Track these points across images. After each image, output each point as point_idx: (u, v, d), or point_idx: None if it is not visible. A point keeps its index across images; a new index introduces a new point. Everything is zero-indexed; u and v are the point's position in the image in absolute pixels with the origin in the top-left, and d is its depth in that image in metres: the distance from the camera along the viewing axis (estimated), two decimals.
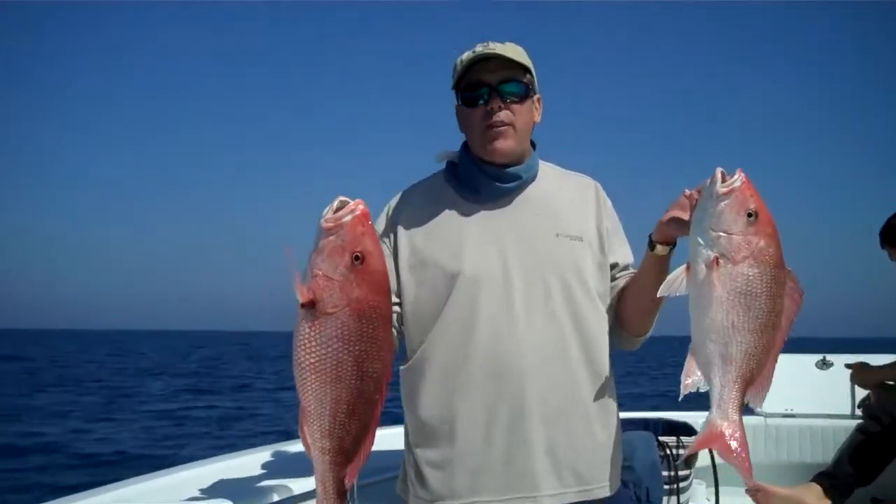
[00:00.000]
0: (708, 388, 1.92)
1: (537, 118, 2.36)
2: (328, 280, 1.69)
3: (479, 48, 2.24)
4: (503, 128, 2.23)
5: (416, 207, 2.32)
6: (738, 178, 1.89)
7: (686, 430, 3.44)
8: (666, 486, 3.25)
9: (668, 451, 3.30)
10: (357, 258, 1.70)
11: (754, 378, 1.91)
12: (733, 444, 1.89)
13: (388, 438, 3.23)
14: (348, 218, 1.70)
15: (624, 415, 3.70)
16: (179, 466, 2.72)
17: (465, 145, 2.35)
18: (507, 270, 2.20)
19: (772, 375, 1.93)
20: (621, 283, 2.37)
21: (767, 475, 4.02)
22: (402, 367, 2.28)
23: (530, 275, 2.21)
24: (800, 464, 4.30)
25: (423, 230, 2.28)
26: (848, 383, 4.54)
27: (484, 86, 2.24)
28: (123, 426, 17.94)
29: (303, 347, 1.71)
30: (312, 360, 1.71)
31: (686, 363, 1.94)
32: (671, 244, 2.17)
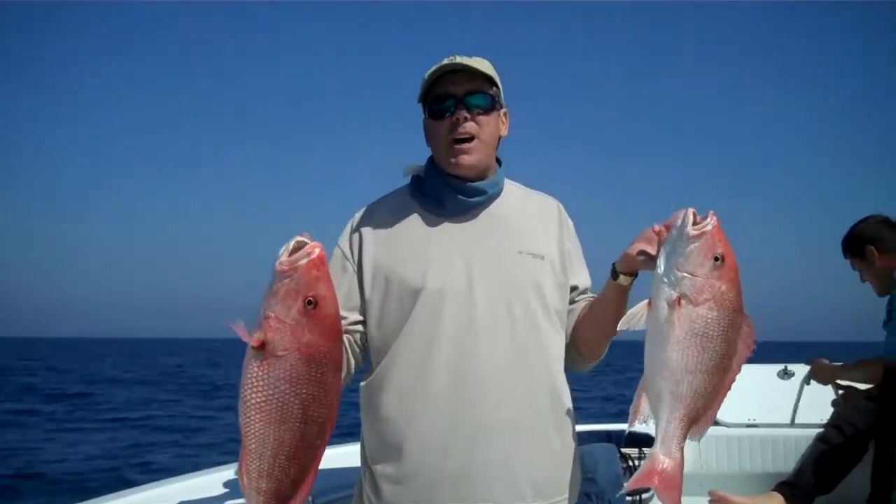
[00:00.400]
0: (654, 420, 1.96)
1: (504, 132, 2.36)
2: (280, 323, 1.69)
3: (446, 61, 2.24)
4: (470, 143, 2.23)
5: (381, 221, 2.32)
6: (709, 222, 1.91)
7: (647, 441, 3.44)
8: (629, 498, 3.26)
9: (630, 463, 3.31)
10: (310, 303, 1.69)
11: (699, 417, 1.94)
12: (669, 484, 1.92)
13: (344, 456, 3.21)
14: (304, 262, 1.69)
15: (586, 427, 3.72)
16: (138, 488, 2.68)
17: (431, 159, 2.35)
18: (470, 285, 2.20)
19: (715, 414, 1.97)
20: (580, 306, 2.40)
21: (730, 485, 4.04)
22: (362, 383, 2.28)
23: (493, 291, 2.21)
24: (762, 473, 4.33)
25: (388, 244, 2.27)
26: (810, 392, 4.58)
27: (450, 97, 2.24)
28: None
29: (250, 386, 1.70)
30: (258, 400, 1.70)
31: (636, 396, 1.98)
32: (634, 275, 2.19)
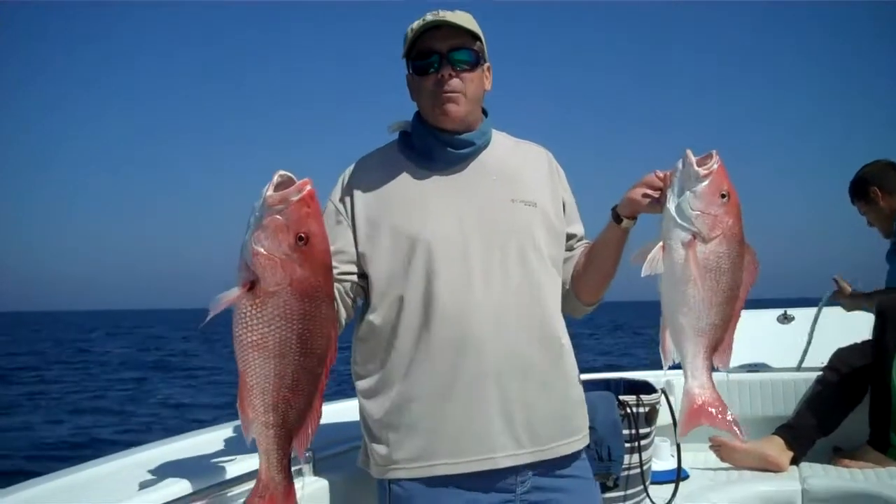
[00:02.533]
0: (679, 356, 2.07)
1: (488, 86, 2.37)
2: (270, 259, 1.69)
3: (430, 17, 2.24)
4: (454, 94, 2.24)
5: (372, 175, 2.33)
6: (715, 161, 2.03)
7: (646, 388, 3.45)
8: (627, 445, 3.27)
9: (628, 410, 3.31)
10: (301, 238, 1.70)
11: (718, 345, 2.07)
12: (718, 414, 2.07)
13: (348, 411, 3.21)
14: (295, 197, 1.69)
15: (584, 376, 3.71)
16: (131, 449, 2.68)
17: (418, 115, 2.36)
18: (464, 235, 2.22)
19: (732, 341, 2.09)
20: (577, 252, 2.45)
21: None
22: (358, 334, 2.31)
23: (487, 239, 2.23)
24: (762, 417, 4.34)
25: (380, 197, 2.28)
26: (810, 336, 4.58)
27: (434, 53, 2.24)
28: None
29: (244, 325, 1.71)
30: (255, 338, 1.71)
31: (661, 337, 2.10)
32: (635, 219, 2.25)
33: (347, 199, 2.30)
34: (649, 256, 2.05)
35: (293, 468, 2.52)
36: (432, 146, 2.30)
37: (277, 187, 1.70)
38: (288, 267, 1.69)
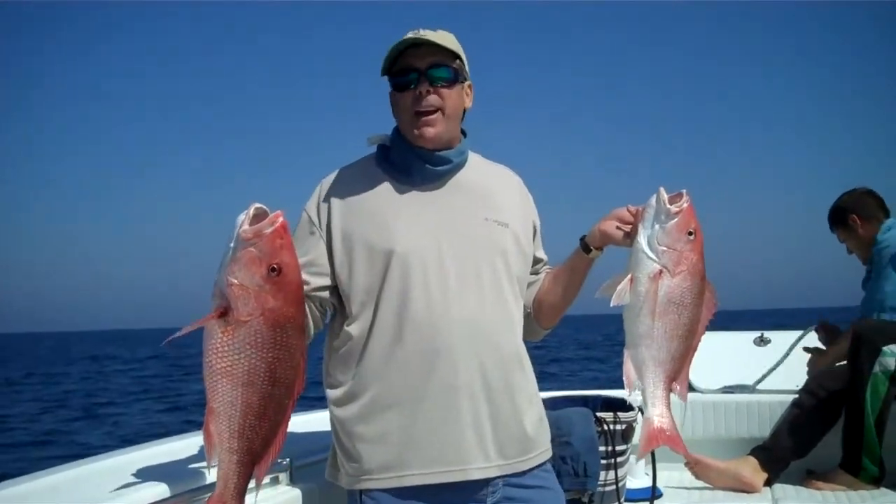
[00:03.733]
0: (640, 386, 2.18)
1: (468, 104, 2.40)
2: (243, 289, 1.72)
3: (410, 35, 2.26)
4: (433, 114, 2.27)
5: (349, 188, 2.35)
6: (685, 200, 2.13)
7: (622, 406, 3.48)
8: (603, 461, 3.29)
9: (605, 427, 3.34)
10: (274, 269, 1.73)
11: (676, 376, 2.18)
12: (673, 438, 2.18)
13: (326, 420, 3.22)
14: (268, 230, 1.73)
15: (563, 392, 3.74)
16: (109, 453, 2.68)
17: (397, 129, 2.38)
18: (439, 251, 2.26)
19: (688, 372, 2.21)
20: (542, 277, 2.54)
21: (706, 449, 4.10)
22: (332, 343, 2.33)
23: (461, 256, 2.27)
24: (737, 438, 4.38)
25: (357, 210, 2.30)
26: (786, 360, 4.63)
27: (413, 71, 2.27)
28: None
29: (215, 352, 1.74)
30: (224, 365, 1.74)
31: (624, 366, 2.18)
32: (602, 249, 2.35)
33: (323, 211, 2.32)
34: (619, 287, 2.14)
35: (271, 475, 2.53)
36: (411, 162, 2.33)
37: (252, 220, 1.74)
38: (260, 297, 1.73)
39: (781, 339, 4.90)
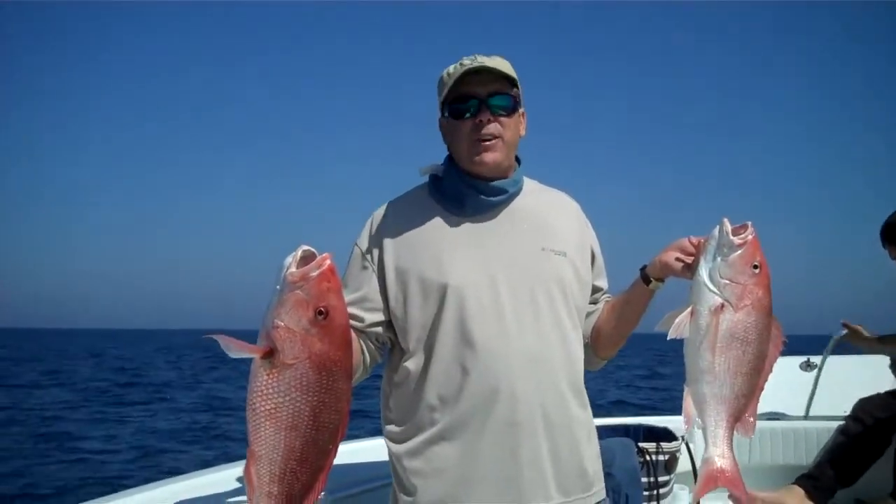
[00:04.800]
0: (701, 424, 2.09)
1: (523, 132, 2.35)
2: (290, 332, 1.70)
3: (467, 61, 2.23)
4: (492, 141, 2.23)
5: (401, 220, 2.31)
6: (750, 232, 2.06)
7: (666, 435, 3.43)
8: (646, 493, 3.24)
9: (647, 458, 3.28)
10: (321, 313, 1.70)
11: (741, 416, 2.08)
12: (733, 480, 2.07)
13: (370, 451, 3.20)
14: (315, 273, 1.70)
15: (604, 421, 3.69)
16: (147, 485, 2.67)
17: (450, 158, 2.34)
18: (494, 284, 2.21)
19: (756, 411, 2.11)
20: (601, 307, 2.46)
21: (751, 478, 3.99)
22: (392, 379, 2.29)
23: (518, 288, 2.22)
24: (783, 466, 4.29)
25: (409, 245, 2.27)
26: (832, 385, 4.53)
27: (472, 98, 2.23)
28: None
29: (259, 394, 1.71)
30: (268, 408, 1.71)
31: (684, 403, 2.10)
32: (663, 281, 2.28)
33: (375, 245, 2.29)
34: (677, 320, 2.07)
35: None
36: (464, 193, 2.28)
37: (300, 262, 1.72)
38: (307, 341, 1.70)
39: (828, 363, 4.80)
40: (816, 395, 4.59)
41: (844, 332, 4.33)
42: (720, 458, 2.06)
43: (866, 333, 4.21)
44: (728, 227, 2.07)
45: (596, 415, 2.40)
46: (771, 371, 2.10)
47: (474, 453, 2.15)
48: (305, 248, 1.74)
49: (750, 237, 2.05)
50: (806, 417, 4.47)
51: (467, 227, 2.28)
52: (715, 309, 2.04)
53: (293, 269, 1.71)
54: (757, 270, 2.04)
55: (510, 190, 2.31)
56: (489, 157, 2.23)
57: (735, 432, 2.09)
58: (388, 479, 2.34)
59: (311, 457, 1.75)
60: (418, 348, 2.21)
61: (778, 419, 4.48)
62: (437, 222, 2.29)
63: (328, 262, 1.71)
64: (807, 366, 4.91)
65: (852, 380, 4.42)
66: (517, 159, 2.38)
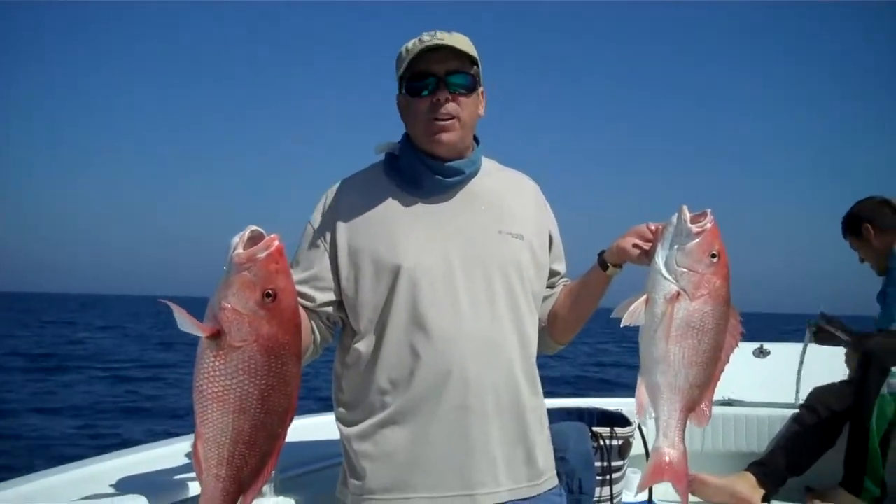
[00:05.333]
0: (654, 414, 2.06)
1: (482, 111, 2.31)
2: (237, 314, 1.67)
3: (426, 37, 2.18)
4: (449, 120, 2.19)
5: (355, 199, 2.27)
6: (708, 221, 2.02)
7: (620, 420, 3.41)
8: (599, 477, 3.22)
9: (601, 442, 3.27)
10: (269, 295, 1.68)
11: (695, 406, 2.05)
12: (679, 475, 2.04)
13: (314, 429, 3.14)
14: (262, 254, 1.67)
15: (558, 403, 3.67)
16: (89, 459, 2.59)
17: (407, 136, 2.30)
18: (448, 265, 2.18)
19: (711, 402, 2.08)
20: (558, 291, 2.44)
21: (702, 463, 4.02)
22: (342, 361, 2.26)
23: (472, 271, 2.19)
24: (735, 452, 4.31)
25: (362, 222, 2.22)
26: (785, 372, 4.54)
27: (431, 76, 2.18)
28: None
29: (206, 377, 1.69)
30: (215, 390, 1.68)
31: (637, 391, 2.07)
32: (621, 266, 2.26)
33: (328, 223, 2.24)
34: (631, 308, 2.04)
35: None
36: (420, 172, 2.24)
37: (247, 243, 1.68)
38: (254, 323, 1.67)
39: (781, 350, 4.82)
40: (768, 381, 4.60)
41: (814, 326, 4.31)
42: (670, 450, 2.04)
43: (841, 335, 4.17)
44: (686, 214, 2.03)
45: (549, 396, 2.38)
46: (728, 361, 2.07)
47: (425, 438, 2.12)
48: (253, 228, 1.70)
49: (708, 226, 2.01)
50: (757, 405, 4.48)
51: (423, 208, 2.24)
52: (670, 297, 2.00)
53: (240, 251, 1.67)
54: (715, 259, 2.01)
55: (467, 171, 2.27)
56: (445, 137, 2.19)
57: (689, 421, 2.05)
58: (338, 458, 2.30)
59: (260, 441, 1.72)
60: (369, 330, 2.18)
61: (731, 405, 4.48)
62: (393, 202, 2.24)
63: (276, 243, 1.68)
64: (760, 352, 4.92)
65: (807, 367, 4.43)
66: (476, 139, 2.33)
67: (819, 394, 4.12)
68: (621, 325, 2.04)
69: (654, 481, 2.06)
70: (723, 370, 2.07)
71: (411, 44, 2.19)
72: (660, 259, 2.04)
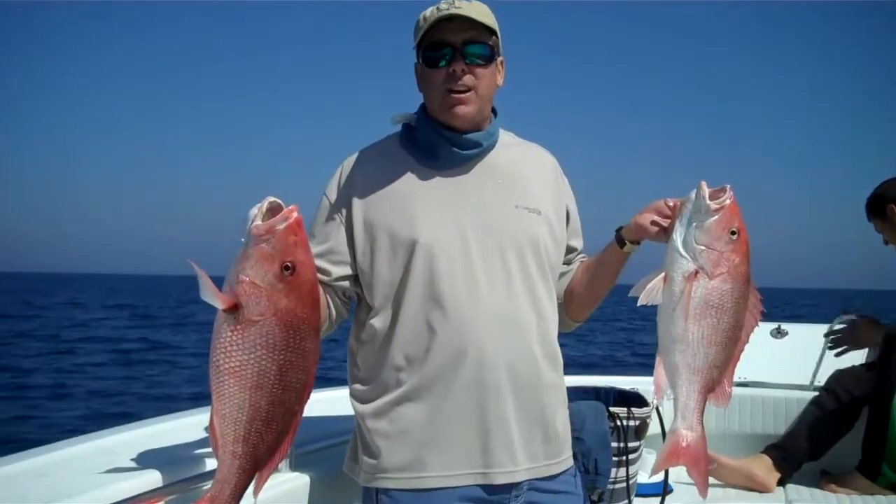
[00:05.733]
0: (672, 395, 2.02)
1: (500, 82, 2.27)
2: (255, 287, 1.64)
3: (444, 6, 2.12)
4: (466, 93, 2.14)
5: (371, 171, 2.23)
6: (727, 197, 1.97)
7: (637, 400, 3.37)
8: (615, 458, 3.20)
9: (618, 423, 3.24)
10: (287, 268, 1.65)
11: (714, 387, 2.01)
12: (697, 458, 2.01)
13: (329, 404, 3.12)
14: (281, 226, 1.64)
15: (575, 380, 3.64)
16: (103, 431, 2.58)
17: (424, 108, 2.26)
18: (464, 240, 2.14)
19: (731, 383, 2.05)
20: (575, 267, 2.40)
21: (718, 445, 4.00)
22: (359, 336, 2.23)
23: (488, 246, 2.15)
24: (751, 434, 4.28)
25: (378, 196, 2.19)
26: (803, 353, 4.50)
27: (447, 46, 2.13)
28: None
29: (223, 351, 1.66)
30: (233, 365, 1.66)
31: (655, 372, 2.03)
32: (639, 244, 2.21)
33: (344, 196, 2.21)
34: (649, 286, 2.00)
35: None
36: (437, 144, 2.20)
37: (266, 214, 1.66)
38: (273, 297, 1.64)
39: (800, 331, 4.78)
40: (786, 362, 4.55)
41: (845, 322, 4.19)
42: (687, 432, 2.00)
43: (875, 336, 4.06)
44: (705, 190, 1.98)
45: (566, 373, 2.35)
46: (748, 341, 2.03)
47: (440, 415, 2.10)
48: (272, 199, 1.67)
49: (728, 202, 1.96)
50: (776, 386, 4.44)
51: (439, 181, 2.20)
52: (689, 276, 1.96)
53: (258, 222, 1.64)
54: (734, 237, 1.96)
55: (484, 143, 2.23)
56: (462, 109, 2.15)
57: (708, 402, 2.02)
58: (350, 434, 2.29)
59: (277, 418, 1.70)
60: (385, 305, 2.15)
61: (747, 386, 4.45)
62: (409, 175, 2.21)
63: (295, 214, 1.65)
64: (777, 332, 4.87)
65: (826, 350, 4.38)
66: (494, 111, 2.29)
67: (840, 376, 4.07)
68: (638, 304, 2.01)
69: (668, 464, 2.05)
70: (742, 350, 2.03)
71: (429, 12, 2.14)
72: (678, 236, 2.00)
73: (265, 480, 1.75)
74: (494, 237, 2.15)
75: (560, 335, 2.33)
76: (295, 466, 2.53)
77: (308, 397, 1.74)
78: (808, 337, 4.58)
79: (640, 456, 3.40)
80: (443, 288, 2.10)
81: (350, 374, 2.26)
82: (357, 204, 2.18)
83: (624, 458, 3.23)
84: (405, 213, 2.15)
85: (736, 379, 4.39)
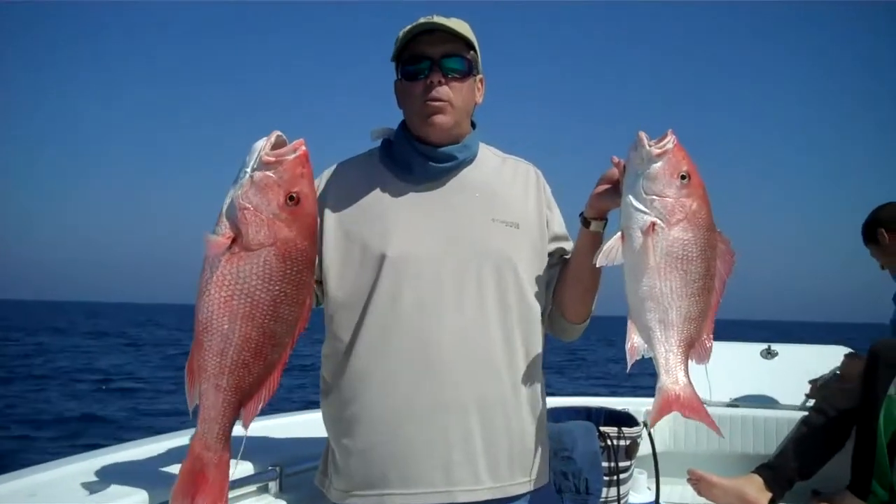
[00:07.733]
0: (651, 354, 1.90)
1: (479, 99, 2.28)
2: (257, 215, 1.63)
3: (423, 20, 2.15)
4: (441, 103, 2.14)
5: (348, 184, 2.23)
6: (669, 140, 1.87)
7: (628, 420, 3.38)
8: (606, 477, 3.19)
9: (608, 442, 3.24)
10: (292, 198, 1.64)
11: (694, 341, 1.90)
12: (692, 405, 1.89)
13: (316, 424, 3.11)
14: (291, 157, 1.64)
15: (564, 401, 3.64)
16: (90, 453, 2.56)
17: (403, 124, 2.27)
18: (436, 257, 2.12)
19: (711, 336, 1.93)
20: (557, 269, 2.33)
21: (709, 465, 3.99)
22: (324, 350, 2.21)
23: (462, 260, 2.13)
24: (742, 454, 4.27)
25: (352, 209, 2.19)
26: (793, 374, 4.52)
27: (425, 59, 2.14)
28: None
29: (216, 280, 1.63)
30: (224, 295, 1.63)
31: (628, 335, 1.91)
32: (604, 219, 2.13)
33: (319, 207, 2.17)
34: (606, 246, 1.90)
35: (259, 483, 2.43)
36: (412, 158, 2.20)
37: (273, 146, 1.65)
38: (274, 226, 1.63)
39: (789, 352, 4.79)
40: (776, 383, 4.57)
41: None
42: (674, 385, 1.89)
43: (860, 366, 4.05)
44: (645, 138, 1.87)
45: (555, 395, 2.32)
46: (723, 290, 1.92)
47: (402, 434, 2.07)
48: (279, 133, 1.67)
49: (670, 145, 1.86)
50: (768, 406, 4.45)
51: (414, 196, 2.20)
52: (646, 229, 1.85)
53: (268, 150, 1.64)
54: (686, 181, 1.85)
55: (459, 157, 2.22)
56: (439, 118, 2.15)
57: (690, 361, 1.91)
58: None
59: (266, 350, 1.67)
60: (347, 316, 2.13)
61: (737, 406, 4.46)
62: (384, 188, 2.21)
63: (303, 147, 1.66)
64: (767, 353, 4.89)
65: (815, 369, 4.40)
66: (473, 125, 2.30)
67: (829, 396, 4.08)
68: (597, 265, 1.92)
69: (663, 415, 1.90)
70: (719, 300, 1.91)
71: (408, 27, 2.16)
72: (627, 191, 1.90)
73: (252, 415, 1.71)
74: (468, 252, 2.13)
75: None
76: (284, 489, 2.51)
77: (301, 330, 1.71)
78: (797, 357, 4.61)
79: (630, 475, 3.40)
80: (406, 304, 2.08)
81: (321, 389, 2.24)
82: (329, 216, 2.17)
83: (615, 477, 3.23)
84: (376, 228, 2.14)
85: (726, 400, 4.43)
